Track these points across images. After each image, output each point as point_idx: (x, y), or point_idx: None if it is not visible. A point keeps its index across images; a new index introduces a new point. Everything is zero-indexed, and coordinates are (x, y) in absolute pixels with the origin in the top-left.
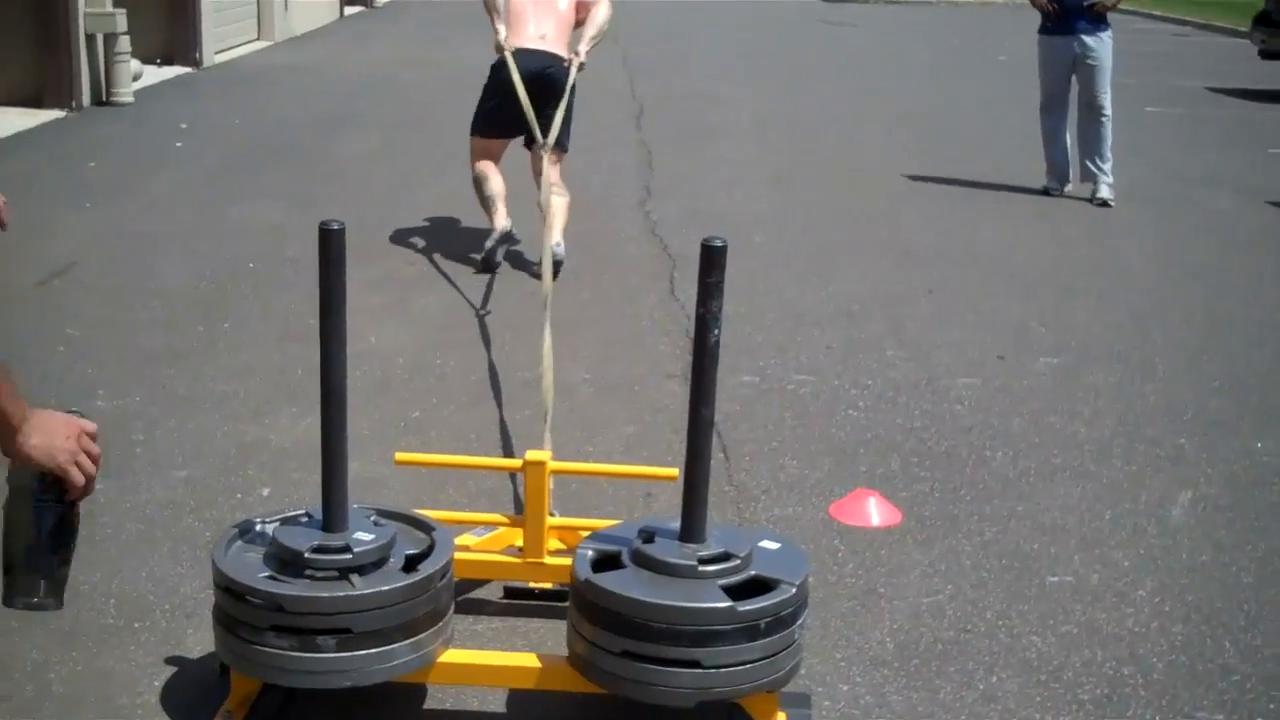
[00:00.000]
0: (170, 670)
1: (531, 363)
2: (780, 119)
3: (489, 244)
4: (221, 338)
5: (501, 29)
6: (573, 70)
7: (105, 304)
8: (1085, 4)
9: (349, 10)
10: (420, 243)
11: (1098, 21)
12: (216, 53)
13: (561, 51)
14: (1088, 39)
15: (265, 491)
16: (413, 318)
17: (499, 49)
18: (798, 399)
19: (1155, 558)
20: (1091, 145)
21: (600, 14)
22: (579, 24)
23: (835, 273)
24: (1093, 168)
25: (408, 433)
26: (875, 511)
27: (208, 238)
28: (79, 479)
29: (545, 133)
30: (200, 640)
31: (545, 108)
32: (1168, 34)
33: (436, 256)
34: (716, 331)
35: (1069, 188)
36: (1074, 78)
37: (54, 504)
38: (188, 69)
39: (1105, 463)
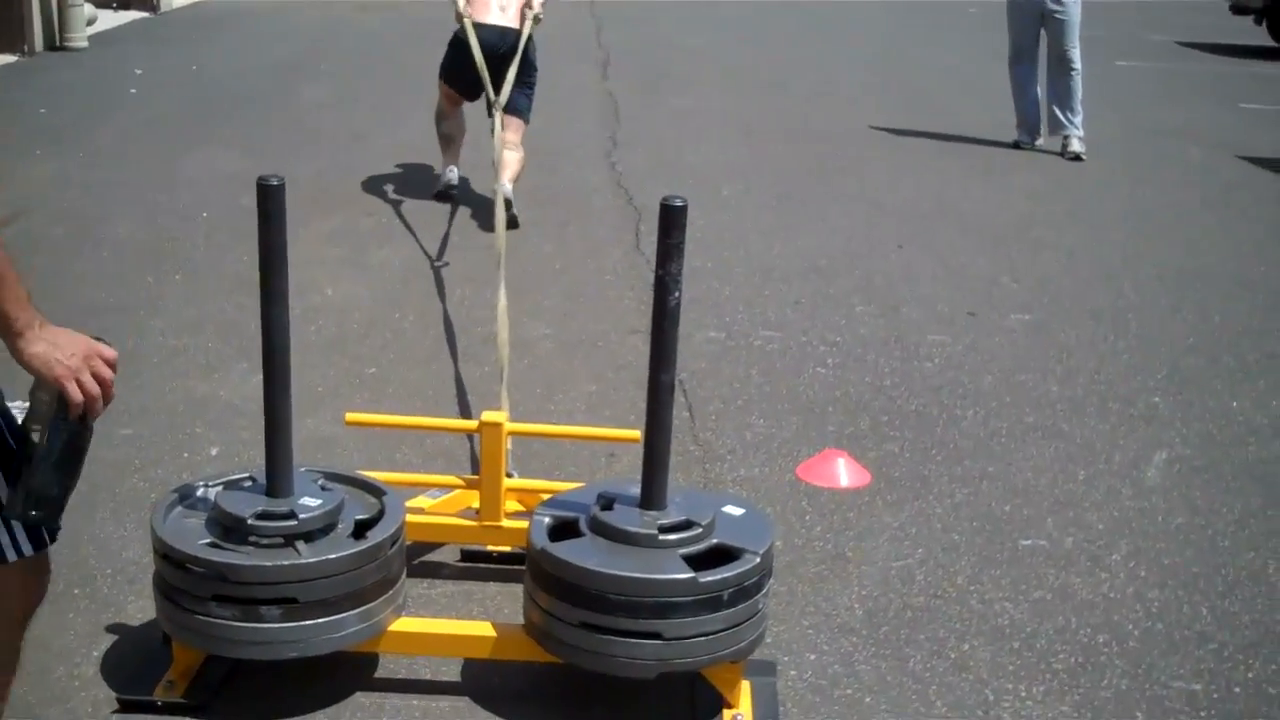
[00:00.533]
0: (110, 639)
1: (490, 318)
2: (750, 70)
3: (439, 186)
4: (171, 290)
5: (461, 1)
6: (527, 24)
7: (52, 255)
8: None
9: None
10: (379, 194)
11: None
12: None
13: (519, 24)
14: None
15: (213, 451)
16: (370, 271)
17: (459, 18)
18: (764, 355)
19: (1130, 520)
20: (1062, 98)
21: None
22: None
23: (804, 227)
24: (1063, 119)
25: (363, 389)
26: (844, 472)
27: (160, 187)
28: (75, 395)
29: (497, 91)
30: (142, 608)
31: (503, 71)
32: None
33: (395, 208)
34: (677, 294)
35: (1040, 141)
36: (1043, 31)
37: (63, 423)
38: (145, 14)
39: (1078, 422)
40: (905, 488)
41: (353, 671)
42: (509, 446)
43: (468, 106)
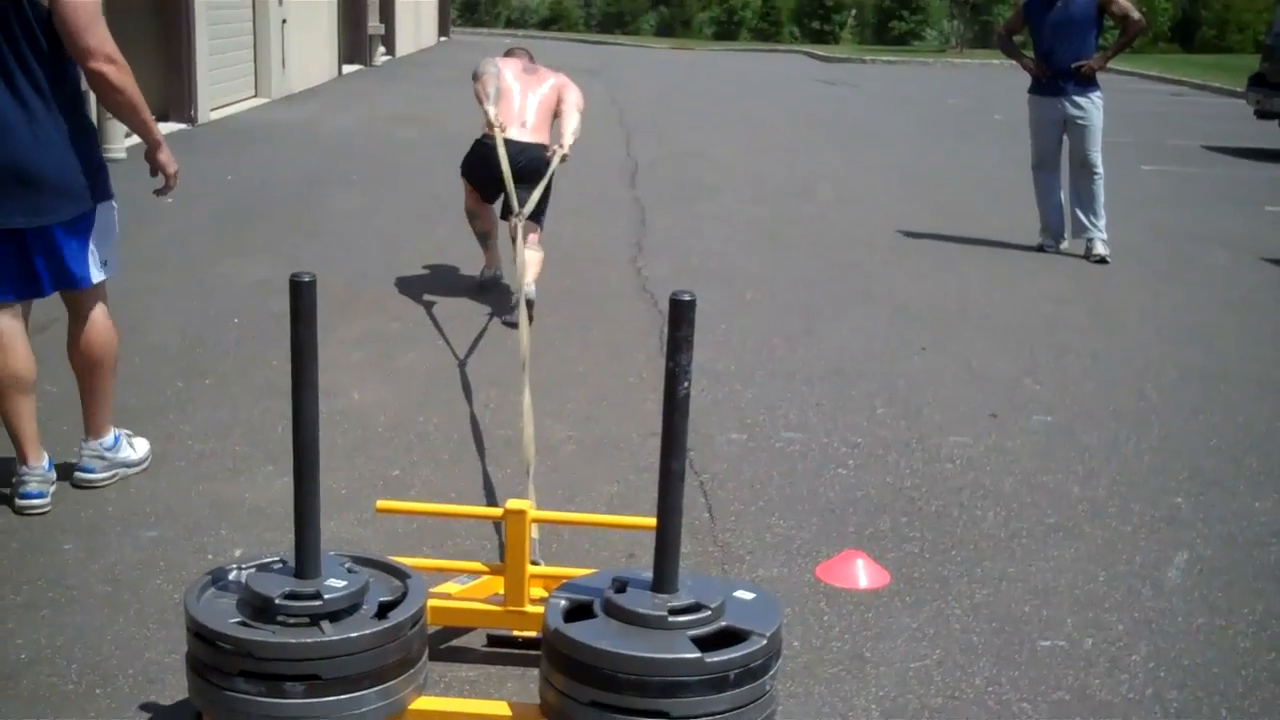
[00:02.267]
0: None
1: (514, 420)
2: (775, 177)
3: (479, 277)
4: (200, 394)
5: (491, 110)
6: (555, 160)
7: None
8: (1073, 66)
9: (347, 69)
10: (405, 299)
11: (1087, 83)
12: (212, 109)
13: (542, 139)
14: (1078, 98)
15: (237, 552)
16: (395, 374)
17: (488, 126)
18: (786, 457)
19: (1150, 621)
20: (1085, 202)
21: (572, 120)
22: (555, 114)
23: (827, 330)
24: (1086, 223)
25: (386, 491)
26: (863, 573)
27: (193, 293)
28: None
29: (523, 205)
30: (160, 713)
31: (523, 186)
32: (1164, 94)
33: (421, 312)
34: (686, 384)
35: (1064, 245)
36: (1065, 137)
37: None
38: (182, 125)
39: (1099, 523)
40: (924, 588)
41: None
42: (534, 535)
43: None
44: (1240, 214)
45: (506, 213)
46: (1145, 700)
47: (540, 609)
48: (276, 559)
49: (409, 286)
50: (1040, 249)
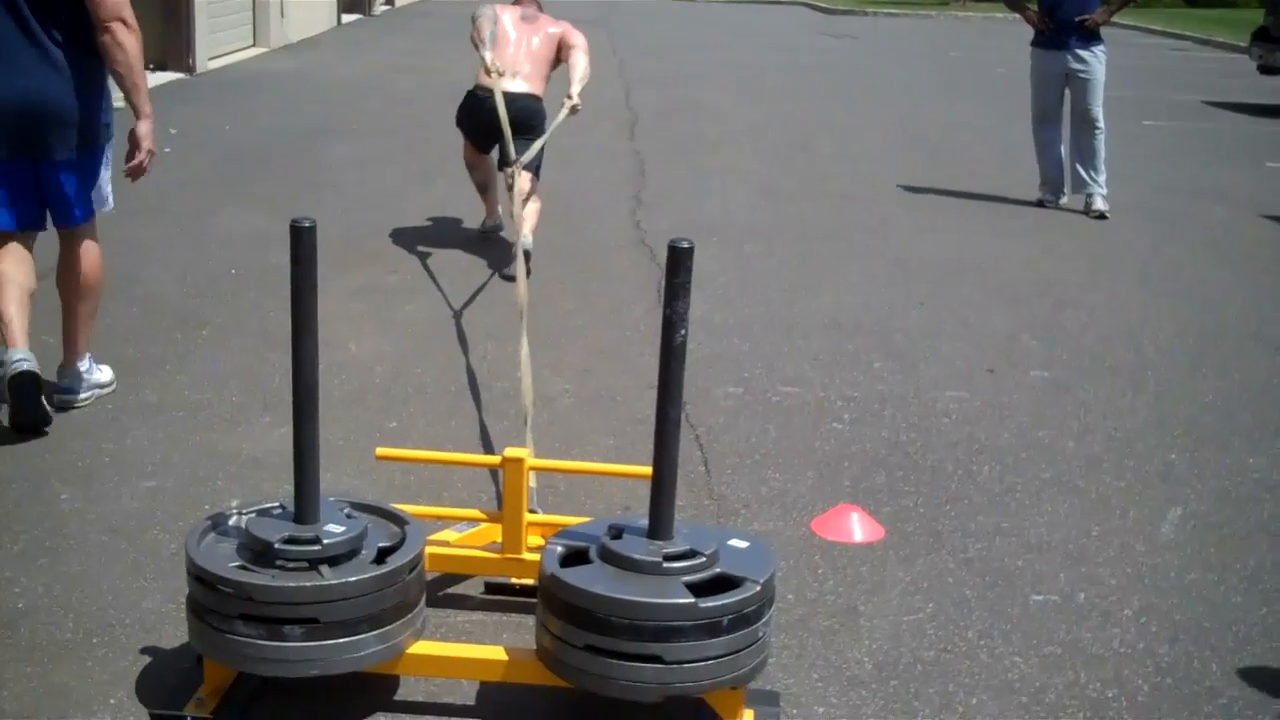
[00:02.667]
0: (127, 687)
1: (512, 372)
2: (776, 130)
3: (480, 228)
4: (198, 345)
5: (488, 55)
6: (564, 111)
7: None
8: (1077, 19)
9: (346, 18)
10: (404, 251)
11: (1090, 37)
12: (210, 59)
13: (536, 89)
14: (1081, 52)
15: (234, 503)
16: (394, 326)
17: (484, 74)
18: (782, 411)
19: (1143, 576)
20: (1086, 157)
21: (580, 64)
22: (557, 62)
23: (825, 284)
24: (1086, 178)
25: (384, 442)
26: (857, 527)
27: (191, 244)
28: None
29: (520, 154)
30: (161, 657)
31: (518, 138)
32: (1166, 49)
33: (420, 264)
34: (683, 332)
35: (1064, 200)
36: (1066, 91)
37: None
38: (181, 75)
39: (1094, 478)
40: (918, 542)
41: (375, 693)
42: (531, 485)
43: None
44: (1241, 170)
45: (503, 163)
46: (1137, 654)
47: (537, 557)
48: (276, 504)
49: (408, 238)
50: (1040, 204)
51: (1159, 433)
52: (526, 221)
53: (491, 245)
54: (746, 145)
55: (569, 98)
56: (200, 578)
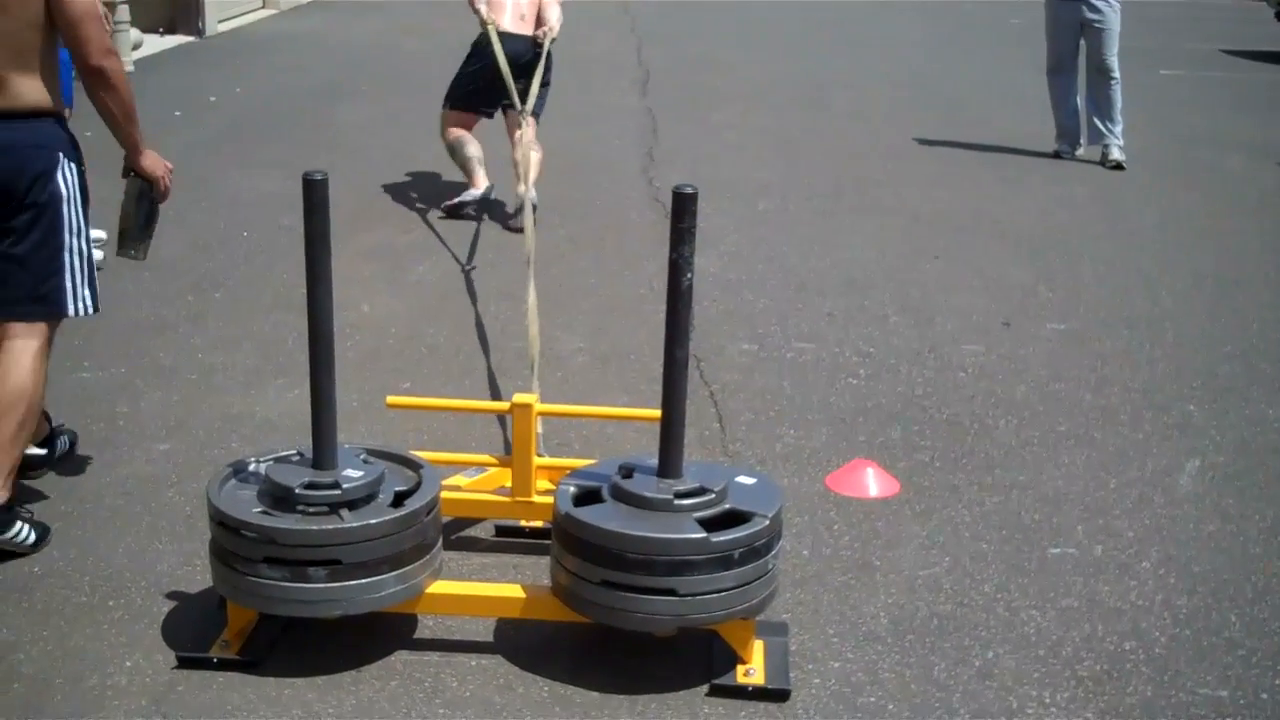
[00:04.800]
0: (144, 648)
1: (525, 330)
2: (788, 86)
3: (467, 198)
4: (211, 308)
5: (483, 8)
6: (546, 41)
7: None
8: None
9: None
10: (416, 211)
11: None
12: (220, 21)
13: (538, 32)
14: (1096, 2)
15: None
16: (406, 287)
17: (484, 24)
18: (797, 367)
19: (1161, 528)
20: (1101, 107)
21: (554, 14)
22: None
23: (840, 239)
24: (1103, 129)
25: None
26: (873, 482)
27: (203, 207)
28: (164, 187)
29: (524, 100)
30: (176, 619)
31: (523, 80)
32: None
33: (432, 225)
34: (689, 275)
35: (1080, 151)
36: (1082, 41)
37: (149, 202)
38: (190, 38)
39: (1111, 430)
40: (934, 497)
41: (394, 633)
42: (539, 431)
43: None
44: (1258, 119)
45: (507, 108)
46: (1155, 607)
47: (546, 499)
48: (294, 451)
49: (419, 199)
50: (1056, 155)
51: (1177, 384)
52: (532, 171)
53: (498, 203)
54: (759, 101)
55: (549, 29)
56: (224, 523)
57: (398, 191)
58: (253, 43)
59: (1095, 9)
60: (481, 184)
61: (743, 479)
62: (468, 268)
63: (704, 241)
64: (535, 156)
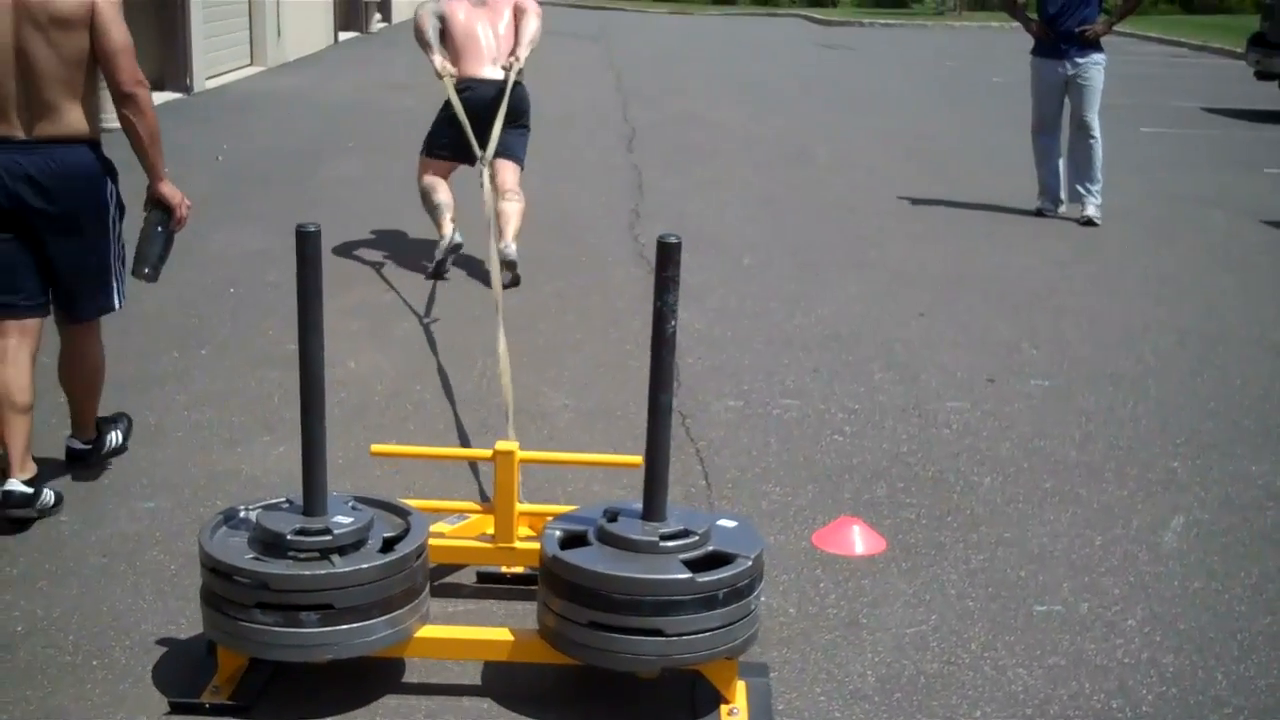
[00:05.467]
0: (127, 709)
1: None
2: (773, 143)
3: (438, 254)
4: (197, 364)
5: (438, 59)
6: (512, 73)
7: None
8: (1078, 30)
9: (343, 36)
10: (401, 268)
11: (1091, 46)
12: (208, 78)
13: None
14: (1081, 61)
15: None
16: (392, 343)
17: (439, 76)
18: (782, 424)
19: (1146, 585)
20: (1081, 167)
21: (531, 27)
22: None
23: (824, 296)
24: (1081, 190)
25: (383, 462)
26: (859, 540)
27: (189, 264)
28: (182, 215)
29: (485, 148)
30: (159, 678)
31: (511, 126)
32: (1164, 55)
33: (417, 281)
34: (673, 322)
35: (1062, 209)
36: (1066, 99)
37: (166, 228)
38: (178, 94)
39: (1096, 487)
40: (920, 554)
41: (382, 677)
42: (519, 479)
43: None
44: (1239, 176)
45: (473, 158)
46: (1141, 664)
47: (528, 545)
48: (283, 500)
49: (404, 256)
50: (1038, 213)
51: (1161, 440)
52: (509, 224)
53: (480, 261)
54: (744, 157)
55: (516, 59)
56: (216, 569)
57: (383, 248)
58: (240, 99)
59: (1081, 68)
60: (447, 232)
61: (724, 522)
62: (427, 321)
63: (689, 297)
64: (516, 207)
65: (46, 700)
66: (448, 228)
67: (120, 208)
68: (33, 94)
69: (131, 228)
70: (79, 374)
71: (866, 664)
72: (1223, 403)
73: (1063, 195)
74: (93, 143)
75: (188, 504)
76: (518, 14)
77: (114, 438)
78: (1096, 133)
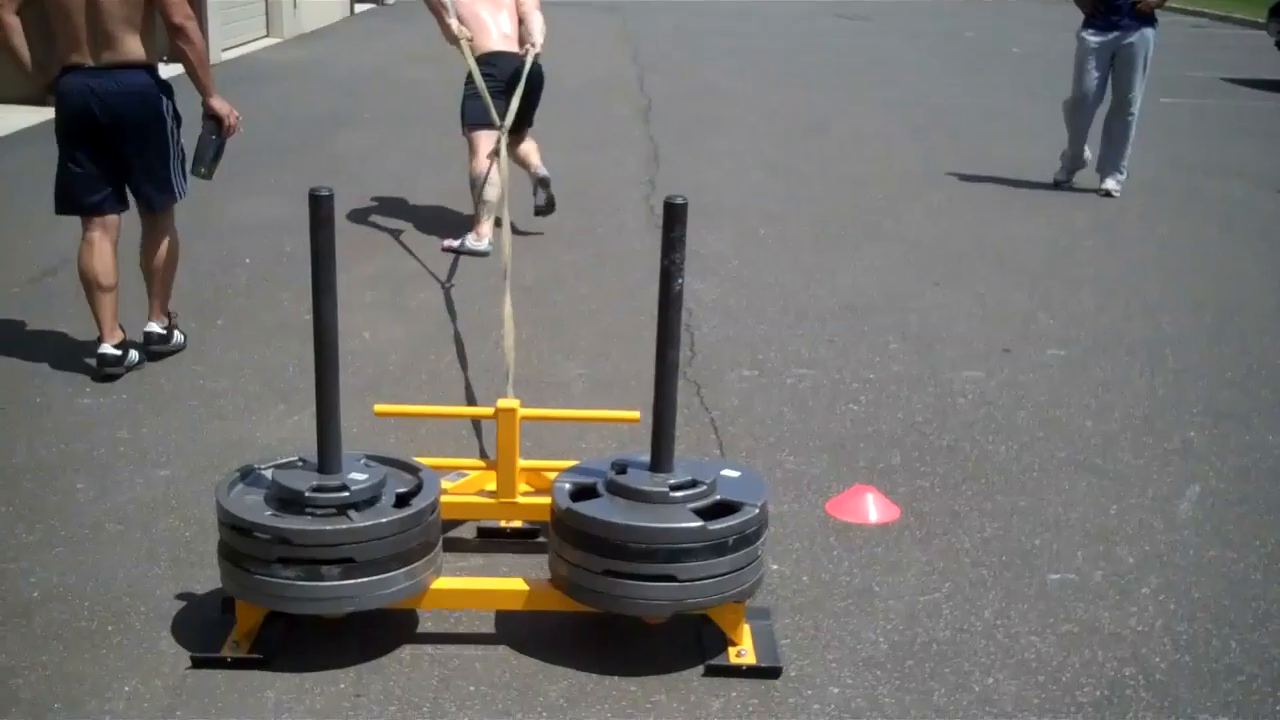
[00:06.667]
0: (142, 673)
1: (526, 359)
2: (789, 114)
3: (460, 245)
4: (213, 335)
5: (453, 23)
6: (528, 59)
7: None
8: (1133, 2)
9: (359, 7)
10: (419, 238)
11: (1144, 20)
12: (224, 50)
13: (520, 49)
14: (1132, 34)
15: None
16: (407, 314)
17: (453, 41)
18: (797, 393)
19: (1161, 554)
20: (1116, 143)
21: (537, 20)
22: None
23: (840, 266)
24: (1109, 164)
25: (398, 428)
26: (873, 508)
27: (205, 234)
28: (232, 124)
29: (505, 117)
30: (175, 644)
31: (525, 100)
32: (1185, 26)
33: (433, 251)
34: (680, 280)
35: (1075, 178)
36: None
37: (219, 136)
38: None
39: (1112, 456)
40: (934, 523)
41: (396, 628)
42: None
43: None
44: (1259, 146)
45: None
46: (1155, 632)
47: (530, 500)
48: (295, 458)
49: (421, 227)
50: (1056, 184)
51: (1177, 410)
52: (533, 155)
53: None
54: (760, 128)
55: (533, 45)
56: (235, 526)
57: (399, 219)
58: (256, 71)
59: (1130, 43)
60: (485, 236)
61: (728, 472)
62: (447, 285)
63: (705, 268)
64: (533, 144)
65: (62, 665)
66: (486, 229)
67: (177, 119)
68: (99, 29)
69: (191, 137)
70: (158, 254)
71: (879, 631)
72: (1239, 372)
73: (1085, 166)
74: (149, 67)
75: (202, 472)
76: (519, 6)
77: (181, 336)
78: (1135, 110)
